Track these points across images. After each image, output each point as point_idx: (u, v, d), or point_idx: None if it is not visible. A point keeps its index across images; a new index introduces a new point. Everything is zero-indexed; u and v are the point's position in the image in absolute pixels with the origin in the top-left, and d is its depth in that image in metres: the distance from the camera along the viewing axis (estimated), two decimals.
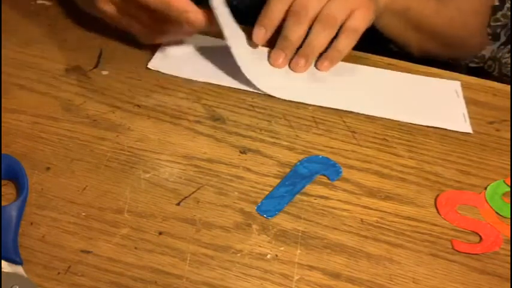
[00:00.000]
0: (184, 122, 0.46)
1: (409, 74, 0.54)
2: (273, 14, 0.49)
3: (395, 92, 0.51)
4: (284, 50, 0.51)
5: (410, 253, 0.39)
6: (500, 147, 0.48)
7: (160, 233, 0.38)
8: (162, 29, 0.47)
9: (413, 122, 0.48)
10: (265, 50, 0.52)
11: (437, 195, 0.43)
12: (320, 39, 0.49)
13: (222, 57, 0.50)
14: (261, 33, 0.50)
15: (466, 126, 0.49)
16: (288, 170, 0.43)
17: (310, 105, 0.49)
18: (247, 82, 0.49)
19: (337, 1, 0.48)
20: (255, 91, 0.49)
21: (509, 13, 0.83)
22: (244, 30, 0.52)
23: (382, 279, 0.37)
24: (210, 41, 0.53)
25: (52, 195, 0.39)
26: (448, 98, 0.52)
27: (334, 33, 0.49)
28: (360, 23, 0.49)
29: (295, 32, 0.49)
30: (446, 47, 0.65)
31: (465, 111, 0.50)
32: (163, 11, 0.43)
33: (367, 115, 0.49)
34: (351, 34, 0.49)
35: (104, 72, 0.49)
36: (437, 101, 0.51)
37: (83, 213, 0.38)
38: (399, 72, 0.54)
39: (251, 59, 0.51)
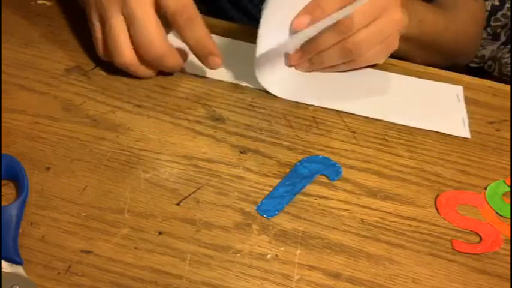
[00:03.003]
0: (184, 122, 0.46)
1: (411, 77, 0.53)
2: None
3: (396, 95, 0.51)
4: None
5: (410, 253, 0.39)
6: (500, 147, 0.48)
7: (160, 233, 0.38)
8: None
9: (412, 126, 0.48)
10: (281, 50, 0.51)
11: (437, 195, 0.43)
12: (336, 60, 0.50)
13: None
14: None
15: (464, 131, 0.49)
16: (288, 170, 0.43)
17: (310, 105, 0.49)
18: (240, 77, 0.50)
19: (372, 32, 0.47)
20: (251, 86, 0.49)
21: (509, 13, 0.83)
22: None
23: (382, 279, 0.37)
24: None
25: (52, 195, 0.39)
26: (449, 103, 0.52)
27: None
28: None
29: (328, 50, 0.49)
30: (448, 58, 0.65)
31: (465, 116, 0.50)
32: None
33: (368, 116, 0.49)
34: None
35: (104, 73, 0.49)
36: (437, 105, 0.51)
37: (83, 213, 0.38)
38: (401, 75, 0.54)
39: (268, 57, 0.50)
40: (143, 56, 0.45)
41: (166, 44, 0.45)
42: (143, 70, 0.47)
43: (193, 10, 0.45)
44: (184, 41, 0.46)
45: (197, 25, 0.45)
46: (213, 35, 0.50)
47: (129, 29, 0.44)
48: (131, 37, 0.45)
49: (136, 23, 0.44)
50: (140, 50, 0.45)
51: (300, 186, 0.42)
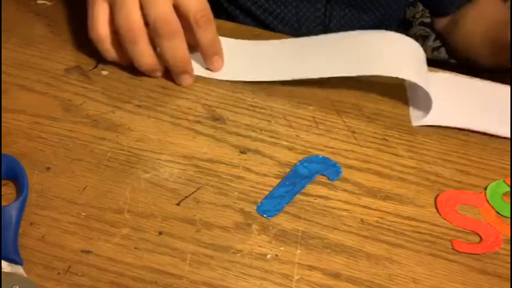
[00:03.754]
0: (184, 122, 0.46)
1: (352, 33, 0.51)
2: None
3: (344, 48, 0.49)
4: None
5: (410, 253, 0.39)
6: (500, 147, 0.48)
7: (160, 233, 0.38)
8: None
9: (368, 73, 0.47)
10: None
11: (437, 195, 0.43)
12: None
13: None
14: None
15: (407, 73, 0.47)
16: (288, 170, 0.43)
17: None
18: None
19: None
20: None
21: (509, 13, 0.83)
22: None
23: (382, 279, 0.37)
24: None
25: (52, 195, 0.39)
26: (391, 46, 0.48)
27: None
28: None
29: None
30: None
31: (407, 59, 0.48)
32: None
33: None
34: None
35: (104, 72, 0.49)
36: (379, 49, 0.48)
37: (83, 213, 0.38)
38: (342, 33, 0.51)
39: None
40: (154, 31, 0.45)
41: (179, 24, 0.45)
42: (149, 50, 0.46)
43: (210, 12, 0.47)
44: (199, 40, 0.47)
45: (212, 27, 0.47)
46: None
47: (142, 13, 0.44)
48: (143, 17, 0.45)
49: (151, 2, 0.44)
50: (152, 24, 0.44)
51: (300, 186, 0.42)
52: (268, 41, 0.53)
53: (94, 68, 0.49)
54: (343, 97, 0.50)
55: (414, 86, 0.49)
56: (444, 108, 0.49)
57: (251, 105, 0.48)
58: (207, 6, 0.46)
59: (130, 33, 0.45)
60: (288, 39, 0.53)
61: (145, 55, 0.46)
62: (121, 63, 0.48)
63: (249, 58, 0.52)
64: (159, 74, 0.49)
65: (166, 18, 0.44)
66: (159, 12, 0.44)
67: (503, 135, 0.48)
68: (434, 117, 0.48)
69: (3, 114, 0.44)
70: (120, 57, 0.48)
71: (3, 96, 0.46)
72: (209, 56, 0.49)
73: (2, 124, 0.43)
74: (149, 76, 0.49)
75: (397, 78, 0.46)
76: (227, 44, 0.51)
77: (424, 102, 0.49)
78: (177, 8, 0.45)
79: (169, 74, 0.49)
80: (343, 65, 0.48)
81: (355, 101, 0.50)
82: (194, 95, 0.48)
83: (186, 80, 0.49)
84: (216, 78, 0.50)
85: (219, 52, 0.50)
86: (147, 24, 0.45)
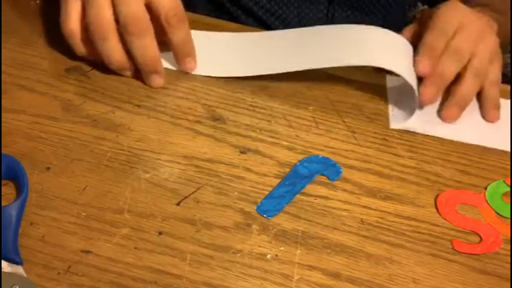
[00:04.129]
0: (184, 122, 0.46)
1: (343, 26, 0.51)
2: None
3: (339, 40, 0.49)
4: (439, 86, 0.49)
5: (410, 253, 0.39)
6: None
7: (160, 233, 0.38)
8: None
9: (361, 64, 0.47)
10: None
11: (437, 195, 0.43)
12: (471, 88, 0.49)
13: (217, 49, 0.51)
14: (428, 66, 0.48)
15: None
16: (288, 170, 0.43)
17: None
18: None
19: (482, 46, 0.49)
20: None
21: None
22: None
23: (382, 279, 0.37)
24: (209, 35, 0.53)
25: (52, 195, 0.39)
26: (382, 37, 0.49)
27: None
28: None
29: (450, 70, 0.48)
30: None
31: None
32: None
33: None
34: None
35: (104, 73, 0.49)
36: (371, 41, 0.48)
37: (83, 213, 0.38)
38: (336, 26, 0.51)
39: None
40: (124, 29, 0.44)
41: (149, 22, 0.45)
42: (118, 48, 0.46)
43: (183, 11, 0.46)
44: (170, 39, 0.47)
45: (185, 26, 0.47)
46: (211, 31, 0.51)
47: (114, 10, 0.44)
48: (115, 14, 0.44)
49: (122, 0, 0.44)
50: (122, 21, 0.44)
51: (300, 186, 0.42)
52: (253, 33, 0.53)
53: (94, 68, 0.49)
54: (343, 97, 0.50)
55: (398, 84, 0.50)
56: (424, 115, 0.49)
57: (251, 105, 0.48)
58: (179, 4, 0.46)
59: (100, 29, 0.44)
60: (276, 31, 0.53)
61: (115, 52, 0.46)
62: (91, 59, 0.48)
63: (235, 52, 0.52)
64: (128, 73, 0.48)
65: (136, 16, 0.44)
66: (130, 10, 0.44)
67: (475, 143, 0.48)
68: (414, 122, 0.48)
69: (3, 114, 0.44)
70: (90, 53, 0.47)
71: (3, 96, 0.46)
72: (181, 57, 0.49)
73: (2, 124, 0.43)
74: None
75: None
76: (206, 37, 0.51)
77: (408, 104, 0.49)
78: (149, 8, 0.45)
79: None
80: (325, 57, 0.48)
81: (355, 101, 0.50)
82: (194, 95, 0.48)
83: (156, 80, 0.48)
84: (200, 74, 0.50)
85: (191, 53, 0.49)
86: (118, 22, 0.45)
